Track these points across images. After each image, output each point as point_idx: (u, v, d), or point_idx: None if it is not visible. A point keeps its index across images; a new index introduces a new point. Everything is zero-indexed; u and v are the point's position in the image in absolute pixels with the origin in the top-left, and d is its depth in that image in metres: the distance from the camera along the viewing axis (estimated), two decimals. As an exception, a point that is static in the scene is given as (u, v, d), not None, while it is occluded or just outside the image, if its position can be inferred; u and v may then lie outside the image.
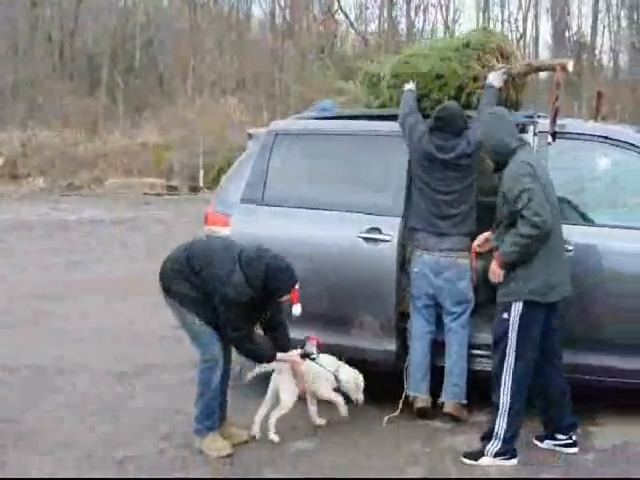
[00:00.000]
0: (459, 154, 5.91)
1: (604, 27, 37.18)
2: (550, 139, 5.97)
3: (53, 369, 7.23)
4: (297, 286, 5.34)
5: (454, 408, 5.85)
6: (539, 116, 6.22)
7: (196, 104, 29.45)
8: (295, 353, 5.57)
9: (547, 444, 5.42)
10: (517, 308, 5.13)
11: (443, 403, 5.90)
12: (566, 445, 5.36)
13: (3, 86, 33.94)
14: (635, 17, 35.05)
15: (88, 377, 7.02)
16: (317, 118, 6.80)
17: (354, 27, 38.49)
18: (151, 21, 39.91)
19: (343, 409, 5.80)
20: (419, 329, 6.02)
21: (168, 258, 5.48)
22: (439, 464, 5.18)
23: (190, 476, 5.07)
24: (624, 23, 36.57)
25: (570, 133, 6.05)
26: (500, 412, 5.14)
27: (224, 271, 5.19)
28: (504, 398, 5.14)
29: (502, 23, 36.80)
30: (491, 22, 35.69)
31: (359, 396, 5.82)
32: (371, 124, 6.41)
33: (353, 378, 5.81)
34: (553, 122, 5.96)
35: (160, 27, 39.58)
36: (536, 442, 5.45)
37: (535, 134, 6.04)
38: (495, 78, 6.15)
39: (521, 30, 37.75)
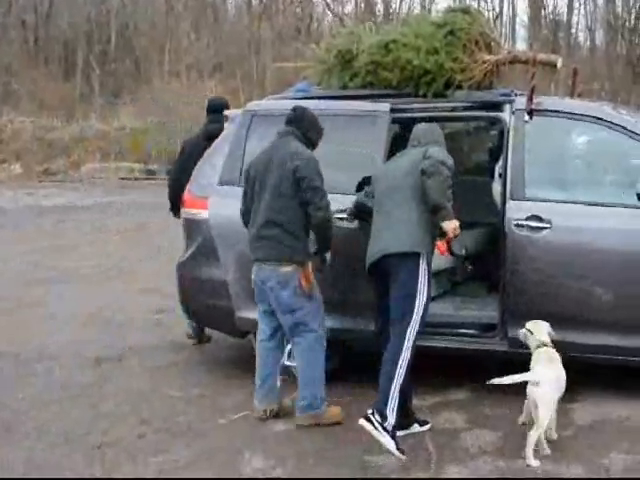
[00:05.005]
0: None
1: (580, 5, 37.23)
2: (527, 117, 5.97)
3: (31, 355, 7.19)
4: None
5: None
6: (516, 94, 6.21)
7: (173, 88, 29.26)
8: None
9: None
10: None
11: None
12: None
13: (-23, 72, 33.63)
14: (611, -5, 35.04)
15: (67, 363, 6.99)
16: (294, 99, 6.75)
17: (330, 8, 38.37)
18: (126, 4, 39.57)
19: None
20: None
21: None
22: (419, 443, 5.18)
23: (173, 458, 5.06)
24: (600, 1, 36.61)
25: (547, 111, 6.05)
26: None
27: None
28: None
29: (478, 2, 36.68)
30: (468, 1, 35.56)
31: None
32: (348, 104, 6.37)
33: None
34: (530, 100, 5.96)
35: (135, 11, 39.28)
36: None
37: (512, 112, 6.04)
38: None
39: (498, 9, 37.75)
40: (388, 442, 4.91)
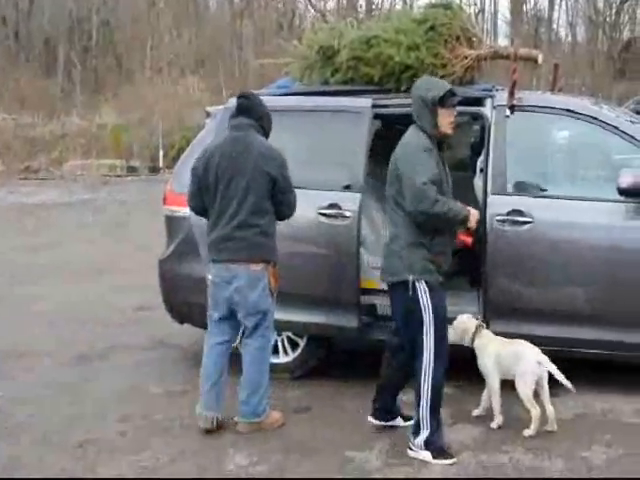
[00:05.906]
0: None
1: (561, 0, 37.38)
2: (508, 112, 5.98)
3: (13, 353, 7.15)
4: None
5: None
6: (497, 89, 6.22)
7: (155, 84, 29.18)
8: None
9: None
10: None
11: None
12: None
13: (-43, 69, 33.42)
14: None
15: (48, 360, 6.96)
16: (275, 95, 6.74)
17: (312, 4, 38.37)
18: (107, 1, 39.40)
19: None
20: None
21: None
22: (402, 439, 5.16)
23: (154, 456, 5.04)
24: (581, -4, 36.74)
25: (528, 106, 6.06)
26: None
27: None
28: None
29: (460, -2, 36.75)
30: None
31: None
32: (330, 100, 6.36)
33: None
34: (511, 95, 5.97)
35: (117, 6, 39.13)
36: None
37: (493, 107, 6.05)
38: None
39: (479, 5, 37.85)
40: (426, 456, 4.92)
